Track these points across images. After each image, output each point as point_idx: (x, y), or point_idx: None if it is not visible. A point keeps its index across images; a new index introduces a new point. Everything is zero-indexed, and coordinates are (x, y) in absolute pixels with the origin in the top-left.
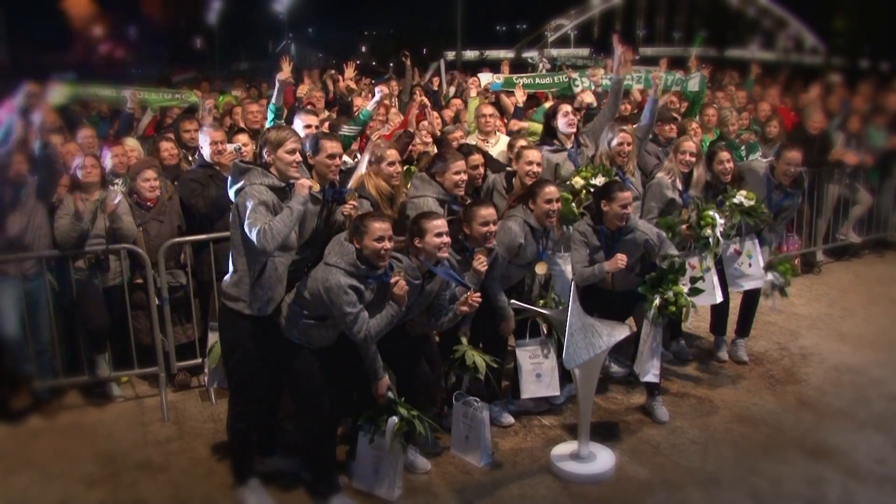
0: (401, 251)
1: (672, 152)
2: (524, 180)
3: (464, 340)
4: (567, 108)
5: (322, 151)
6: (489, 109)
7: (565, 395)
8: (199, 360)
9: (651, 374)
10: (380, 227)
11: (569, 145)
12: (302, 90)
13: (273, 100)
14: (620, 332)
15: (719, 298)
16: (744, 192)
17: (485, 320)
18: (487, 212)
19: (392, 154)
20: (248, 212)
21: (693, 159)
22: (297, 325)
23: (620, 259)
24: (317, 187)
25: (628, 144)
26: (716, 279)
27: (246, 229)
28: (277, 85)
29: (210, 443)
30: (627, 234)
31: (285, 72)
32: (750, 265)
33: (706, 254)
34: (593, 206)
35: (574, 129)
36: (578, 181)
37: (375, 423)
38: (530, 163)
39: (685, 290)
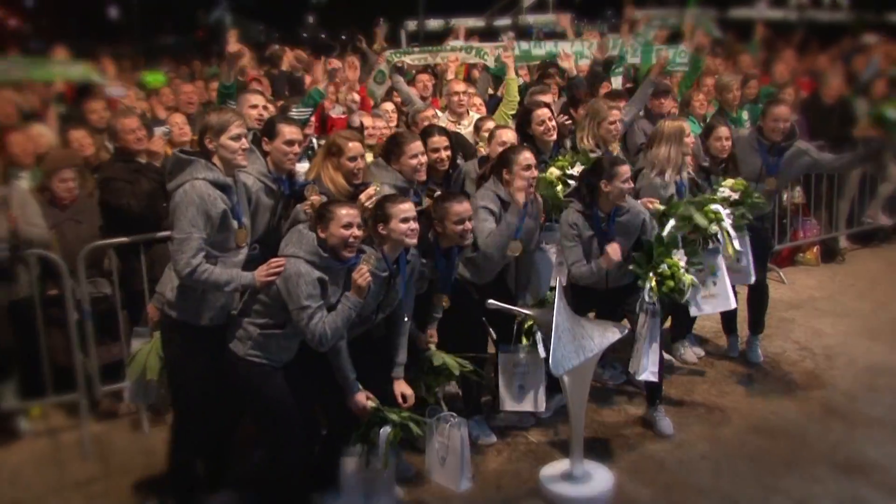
0: (366, 240)
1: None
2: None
3: (431, 345)
4: (542, 115)
5: (279, 137)
6: (461, 86)
7: (554, 406)
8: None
9: (649, 371)
10: (347, 212)
11: (547, 152)
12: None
13: (222, 78)
14: (614, 333)
15: (734, 304)
16: (729, 182)
17: (455, 320)
18: (462, 207)
19: (354, 147)
20: (179, 225)
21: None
22: (252, 338)
23: (613, 251)
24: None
25: (619, 122)
26: (728, 283)
27: (171, 250)
28: (227, 60)
29: (142, 480)
30: (622, 215)
31: (234, 44)
32: (738, 260)
33: (715, 256)
34: (583, 189)
35: (554, 137)
36: (554, 172)
37: (366, 440)
38: (504, 143)
39: (682, 263)
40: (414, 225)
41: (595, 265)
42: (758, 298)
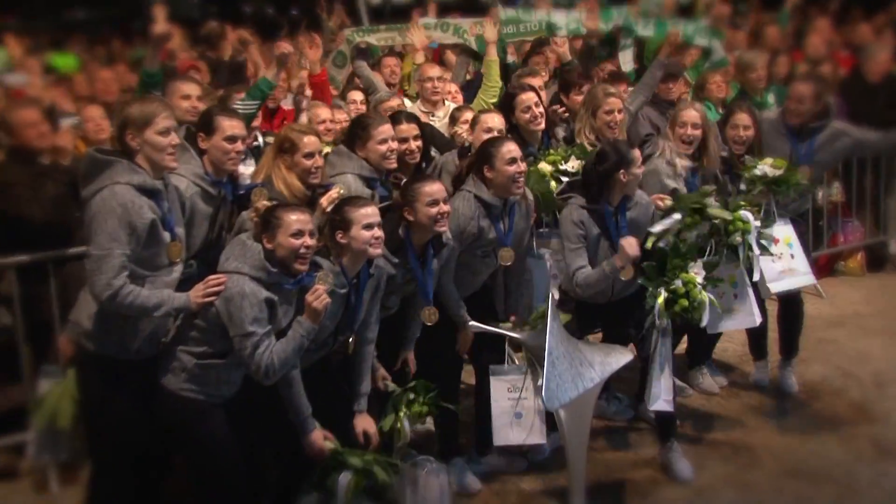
0: (319, 253)
1: (669, 124)
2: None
3: (389, 384)
4: (527, 100)
5: (218, 132)
6: (435, 70)
7: (550, 446)
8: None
9: (662, 399)
10: (297, 218)
11: (535, 144)
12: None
13: (146, 64)
14: (618, 358)
15: (758, 320)
16: (769, 160)
17: (433, 341)
18: (434, 187)
19: (310, 142)
20: (96, 239)
21: (697, 132)
22: (187, 369)
23: (629, 245)
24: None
25: (619, 112)
26: (752, 295)
27: (87, 269)
28: (152, 41)
29: None
30: (631, 209)
31: (161, 22)
32: (792, 256)
33: (736, 264)
34: (593, 181)
35: (542, 126)
36: (545, 168)
37: (322, 488)
38: (490, 130)
39: (699, 279)
40: (378, 232)
41: (608, 265)
42: (791, 315)
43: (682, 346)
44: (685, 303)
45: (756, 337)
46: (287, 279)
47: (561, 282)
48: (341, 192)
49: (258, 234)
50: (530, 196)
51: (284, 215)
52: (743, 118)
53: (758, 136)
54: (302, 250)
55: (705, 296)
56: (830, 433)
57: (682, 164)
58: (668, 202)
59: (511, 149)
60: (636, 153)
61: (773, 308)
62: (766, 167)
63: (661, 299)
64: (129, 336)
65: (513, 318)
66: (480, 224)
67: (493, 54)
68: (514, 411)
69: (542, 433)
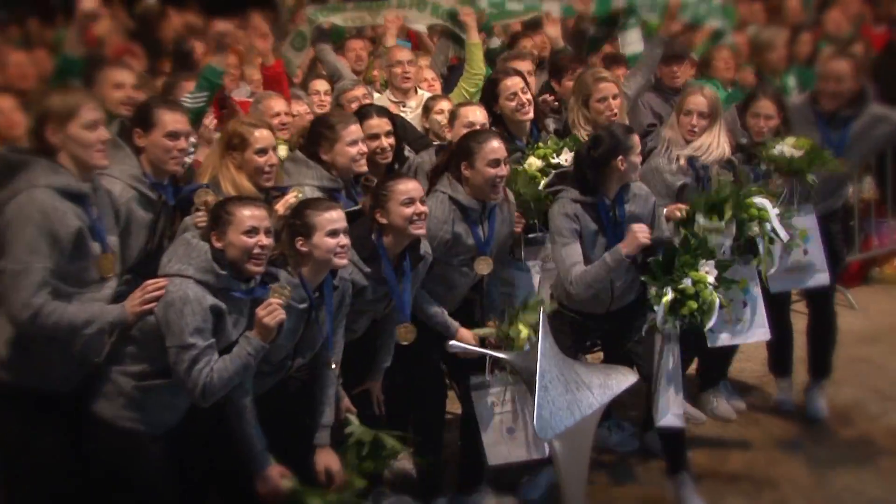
0: (275, 262)
1: (674, 112)
2: (483, 164)
3: (352, 418)
4: (513, 85)
5: (158, 127)
6: (405, 53)
7: (544, 483)
8: None
9: (671, 414)
10: (252, 213)
11: (523, 138)
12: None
13: (66, 47)
14: (620, 381)
15: (768, 333)
16: (791, 140)
17: (410, 366)
18: (409, 185)
19: (262, 137)
20: (12, 252)
21: (704, 122)
22: (124, 393)
23: (640, 230)
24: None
25: (614, 98)
26: (761, 302)
27: (1, 287)
28: (76, 21)
29: None
30: (629, 201)
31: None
32: (806, 251)
33: (754, 263)
34: (587, 171)
35: (529, 115)
36: (534, 163)
37: None
38: (471, 125)
39: (710, 279)
40: (344, 240)
41: (612, 256)
42: (821, 329)
43: (692, 366)
44: (694, 305)
45: (779, 352)
46: (238, 284)
47: (554, 293)
48: (299, 196)
49: (206, 231)
50: (512, 197)
51: (237, 210)
52: (766, 106)
53: (785, 125)
54: (256, 250)
55: (716, 297)
56: (866, 465)
57: (688, 154)
58: (684, 211)
59: (495, 147)
60: (635, 138)
61: (800, 323)
62: (786, 147)
63: (666, 300)
64: (51, 364)
65: (490, 324)
66: (455, 229)
67: (474, 37)
68: (505, 427)
69: (540, 447)
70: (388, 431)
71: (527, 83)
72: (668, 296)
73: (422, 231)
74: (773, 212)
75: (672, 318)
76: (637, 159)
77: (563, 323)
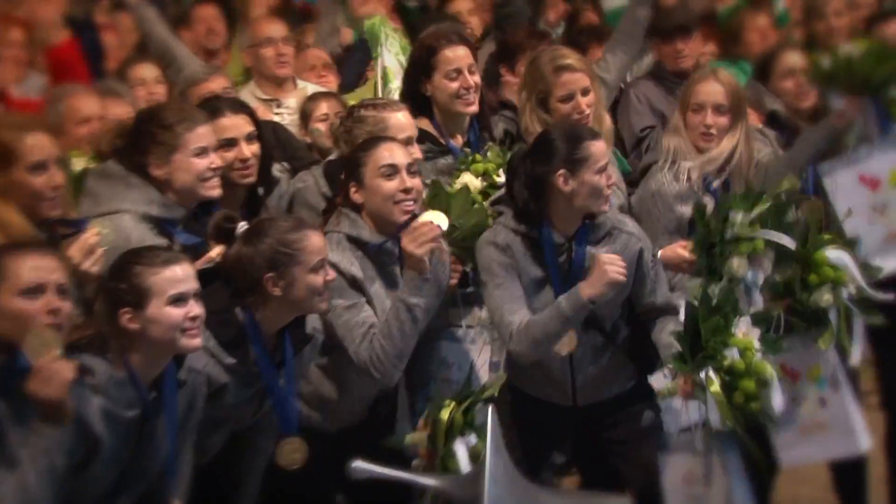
0: (91, 345)
1: (678, 107)
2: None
3: None
4: (458, 59)
5: None
6: (277, 28)
7: None
8: None
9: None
10: (35, 265)
11: (458, 139)
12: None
13: None
14: None
15: (864, 444)
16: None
17: (291, 492)
18: (320, 240)
19: (38, 145)
20: None
21: (722, 120)
22: None
23: (611, 264)
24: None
25: (584, 94)
26: (851, 395)
27: None
28: None
29: None
30: (600, 240)
31: None
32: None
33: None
34: (521, 191)
35: (474, 107)
36: (471, 182)
37: None
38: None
39: (755, 341)
40: (196, 310)
41: (568, 302)
42: None
43: None
44: (750, 385)
45: (849, 474)
46: (17, 370)
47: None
48: (102, 232)
49: None
50: (446, 246)
51: (13, 261)
52: (792, 60)
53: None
54: (47, 319)
55: (769, 368)
56: None
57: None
58: (687, 251)
59: (387, 154)
60: (593, 147)
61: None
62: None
63: (715, 387)
64: None
65: (421, 427)
66: (363, 275)
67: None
68: None
69: None
70: None
71: (475, 56)
72: (716, 383)
73: (324, 306)
74: (850, 264)
75: (731, 412)
76: (596, 180)
77: (519, 420)
